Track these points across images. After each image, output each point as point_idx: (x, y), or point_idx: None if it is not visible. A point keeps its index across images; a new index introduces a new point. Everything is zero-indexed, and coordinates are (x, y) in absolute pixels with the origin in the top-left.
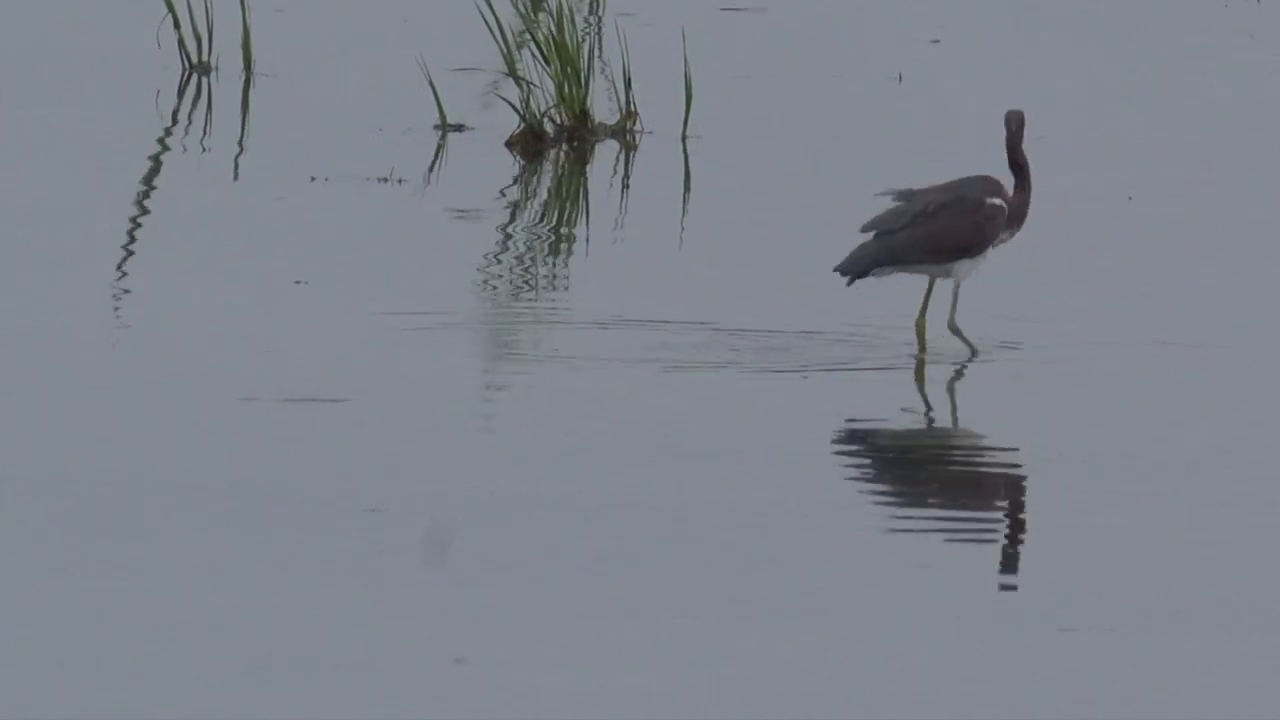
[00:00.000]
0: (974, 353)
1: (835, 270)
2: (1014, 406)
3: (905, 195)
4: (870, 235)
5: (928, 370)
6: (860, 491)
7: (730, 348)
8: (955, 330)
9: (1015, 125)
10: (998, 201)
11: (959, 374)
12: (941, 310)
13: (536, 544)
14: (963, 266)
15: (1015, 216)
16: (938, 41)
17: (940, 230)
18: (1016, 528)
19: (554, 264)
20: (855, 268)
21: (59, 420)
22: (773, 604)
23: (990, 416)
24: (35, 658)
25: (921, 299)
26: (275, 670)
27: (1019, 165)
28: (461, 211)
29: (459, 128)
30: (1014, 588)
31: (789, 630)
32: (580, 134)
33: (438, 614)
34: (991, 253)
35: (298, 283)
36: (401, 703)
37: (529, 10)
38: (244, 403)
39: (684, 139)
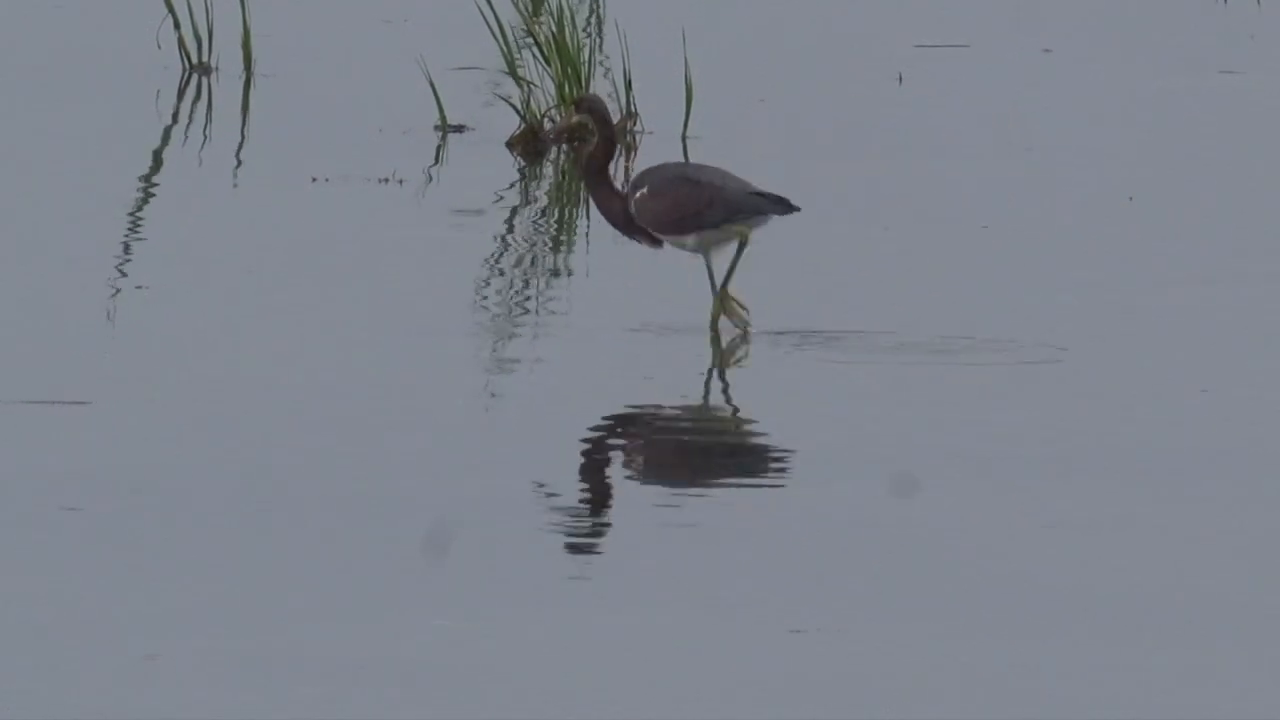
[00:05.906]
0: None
1: None
2: (1015, 407)
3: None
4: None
5: (929, 371)
6: (861, 490)
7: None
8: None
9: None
10: None
11: (967, 374)
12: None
13: (537, 544)
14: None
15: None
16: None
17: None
18: (1022, 528)
19: (554, 265)
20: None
21: (59, 421)
22: (773, 603)
23: (992, 417)
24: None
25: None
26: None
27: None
28: (462, 212)
29: (459, 128)
30: (1022, 588)
31: (788, 629)
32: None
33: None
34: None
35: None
36: (403, 705)
37: (529, 10)
38: (243, 404)
39: (684, 139)
